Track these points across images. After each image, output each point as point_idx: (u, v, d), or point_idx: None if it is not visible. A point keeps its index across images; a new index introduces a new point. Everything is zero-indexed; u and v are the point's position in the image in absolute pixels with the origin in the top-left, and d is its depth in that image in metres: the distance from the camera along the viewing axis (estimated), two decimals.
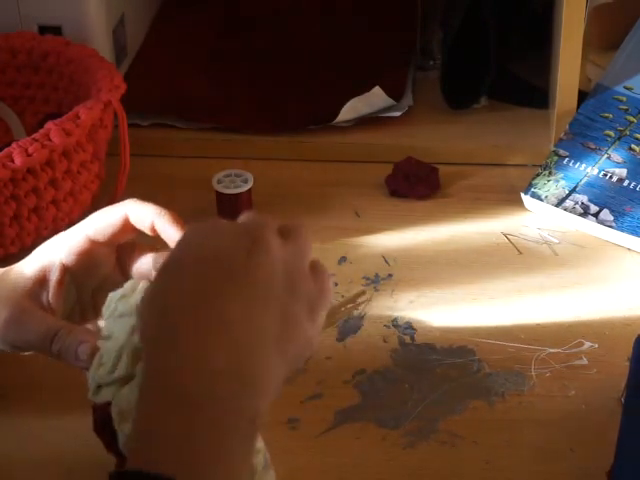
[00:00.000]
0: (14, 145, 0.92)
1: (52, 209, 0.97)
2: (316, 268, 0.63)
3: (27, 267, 0.73)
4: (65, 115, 0.95)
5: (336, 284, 0.96)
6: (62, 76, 1.07)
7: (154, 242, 0.73)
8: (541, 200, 1.03)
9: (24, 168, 0.92)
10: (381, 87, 1.14)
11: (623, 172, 1.02)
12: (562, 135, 1.06)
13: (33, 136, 0.92)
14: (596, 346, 0.88)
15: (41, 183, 0.94)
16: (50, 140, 0.92)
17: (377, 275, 0.97)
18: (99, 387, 0.66)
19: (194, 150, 1.13)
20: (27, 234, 0.96)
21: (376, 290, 0.95)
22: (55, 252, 0.73)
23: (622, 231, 0.98)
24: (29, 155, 0.91)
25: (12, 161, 0.91)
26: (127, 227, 0.72)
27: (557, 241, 1.01)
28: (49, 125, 0.93)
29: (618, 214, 1.00)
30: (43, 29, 1.10)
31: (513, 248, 1.00)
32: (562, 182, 1.03)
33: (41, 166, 0.93)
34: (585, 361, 0.87)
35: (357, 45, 1.27)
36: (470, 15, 1.13)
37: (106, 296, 0.69)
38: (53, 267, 0.72)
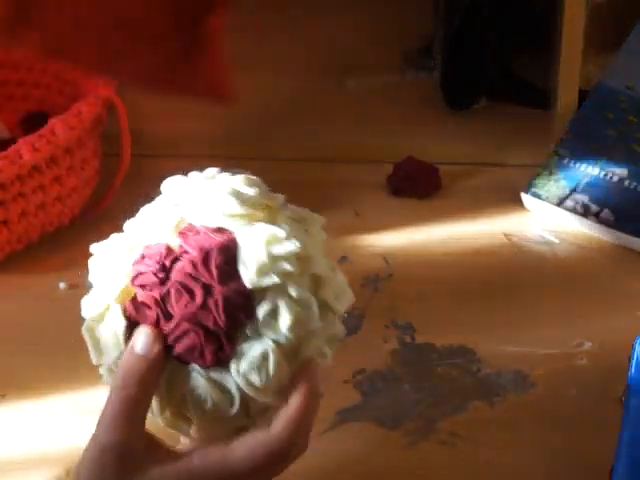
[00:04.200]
0: (21, 141, 0.92)
1: (58, 205, 0.97)
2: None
3: None
4: (67, 111, 0.95)
5: None
6: (45, 73, 1.07)
7: None
8: (541, 200, 1.03)
9: (31, 164, 0.92)
10: None
11: (624, 172, 1.02)
12: (563, 135, 1.06)
13: (38, 132, 0.93)
14: (596, 346, 0.88)
15: (46, 179, 0.95)
16: (55, 135, 0.93)
17: (377, 275, 0.97)
18: None
19: (194, 150, 1.13)
20: (33, 230, 0.97)
21: (376, 290, 0.95)
22: None
23: (623, 231, 0.98)
24: (36, 150, 0.92)
25: (20, 157, 0.91)
26: None
27: (557, 241, 1.01)
28: (53, 121, 0.94)
29: (619, 214, 0.99)
30: None
31: (513, 248, 1.00)
32: (563, 182, 1.03)
33: (46, 163, 0.94)
34: (585, 361, 0.87)
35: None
36: (470, 15, 1.13)
37: None
38: None
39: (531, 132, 1.12)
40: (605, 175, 1.03)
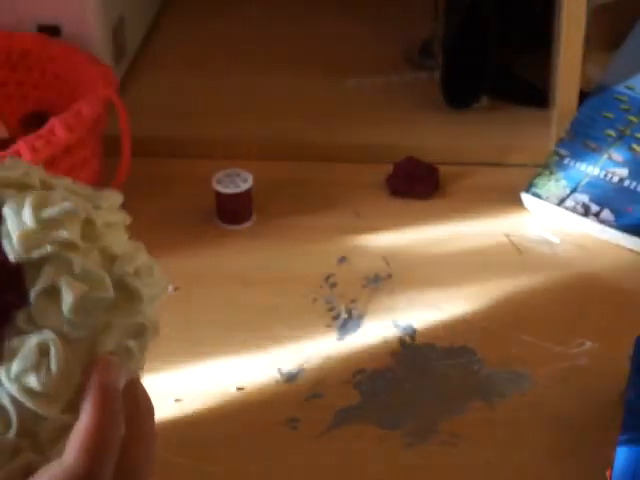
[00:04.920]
0: (20, 141, 0.92)
1: None
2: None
3: None
4: (67, 111, 0.95)
5: (336, 284, 0.96)
6: (44, 73, 1.07)
7: None
8: (542, 200, 1.02)
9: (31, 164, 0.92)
10: None
11: (624, 172, 1.02)
12: (563, 135, 1.06)
13: (38, 132, 0.93)
14: (597, 346, 0.88)
15: None
16: (55, 135, 0.93)
17: (377, 275, 0.97)
18: None
19: (194, 150, 1.12)
20: None
21: (376, 290, 0.95)
22: None
23: (623, 231, 0.98)
24: (36, 150, 0.92)
25: (20, 157, 0.91)
26: None
27: (558, 241, 1.00)
28: (53, 121, 0.93)
29: (619, 214, 0.99)
30: (42, 29, 1.10)
31: (513, 248, 1.00)
32: (563, 182, 1.03)
33: (46, 163, 0.94)
34: (586, 361, 0.86)
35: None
36: (470, 15, 1.13)
37: None
38: None
39: (531, 132, 1.12)
40: (605, 175, 1.02)
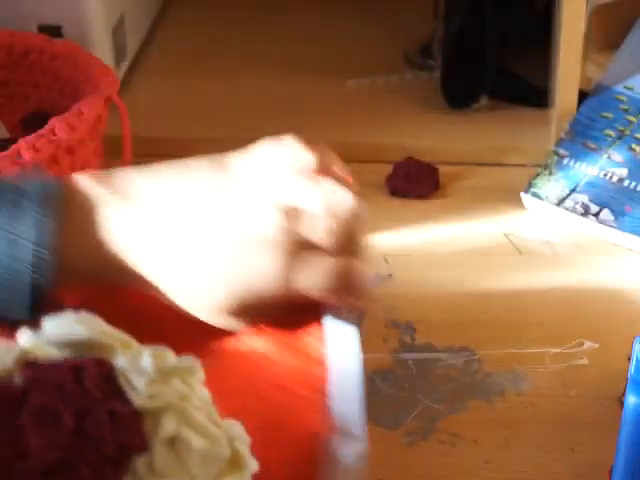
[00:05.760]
0: (21, 141, 0.92)
1: None
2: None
3: None
4: (68, 111, 0.95)
5: None
6: (45, 73, 1.07)
7: None
8: (541, 200, 1.03)
9: (32, 164, 0.92)
10: None
11: (623, 172, 1.02)
12: (562, 135, 1.06)
13: (39, 132, 0.93)
14: (596, 346, 0.88)
15: None
16: (55, 135, 0.93)
17: (377, 275, 0.97)
18: None
19: (194, 150, 1.12)
20: None
21: (376, 290, 0.95)
22: None
23: (622, 231, 0.98)
24: (37, 150, 0.92)
25: (20, 157, 0.91)
26: None
27: (557, 241, 1.01)
28: (54, 121, 0.93)
29: (618, 214, 0.99)
30: (42, 29, 1.10)
31: (513, 248, 1.00)
32: (562, 182, 1.03)
33: (47, 162, 0.94)
34: (585, 361, 0.87)
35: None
36: (470, 15, 1.13)
37: None
38: None
39: (531, 132, 1.12)
40: (605, 175, 1.03)
